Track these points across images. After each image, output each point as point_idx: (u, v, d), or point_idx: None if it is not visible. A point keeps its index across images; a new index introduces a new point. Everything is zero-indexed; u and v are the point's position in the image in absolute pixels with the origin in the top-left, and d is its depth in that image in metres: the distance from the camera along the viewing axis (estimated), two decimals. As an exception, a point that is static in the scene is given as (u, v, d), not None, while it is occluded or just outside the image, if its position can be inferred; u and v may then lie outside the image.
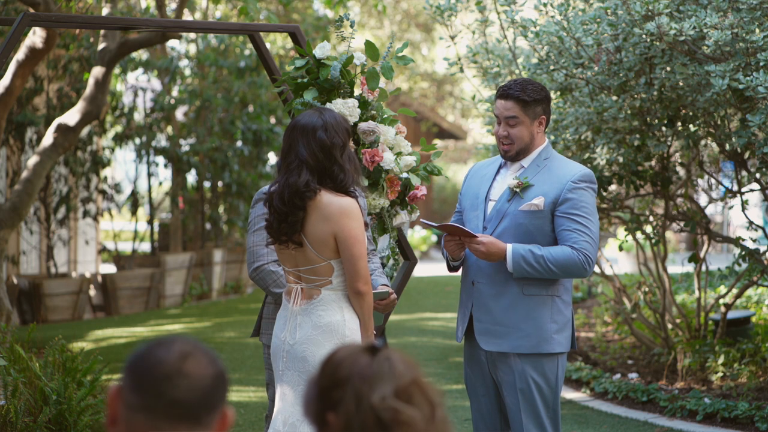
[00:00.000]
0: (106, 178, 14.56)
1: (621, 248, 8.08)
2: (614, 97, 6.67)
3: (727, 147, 6.90)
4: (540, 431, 4.18)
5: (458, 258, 4.30)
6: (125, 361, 1.96)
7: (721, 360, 7.47)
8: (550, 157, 4.26)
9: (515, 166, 4.28)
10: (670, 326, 8.26)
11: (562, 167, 4.23)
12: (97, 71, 9.40)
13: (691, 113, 6.76)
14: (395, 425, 1.90)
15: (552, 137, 7.18)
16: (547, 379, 4.18)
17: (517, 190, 4.19)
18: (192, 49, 15.58)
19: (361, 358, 1.96)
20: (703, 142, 7.56)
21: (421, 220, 4.68)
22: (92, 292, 13.29)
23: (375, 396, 1.91)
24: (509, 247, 4.11)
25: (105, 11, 10.64)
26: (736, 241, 7.11)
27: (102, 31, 9.59)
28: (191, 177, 15.63)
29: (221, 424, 1.95)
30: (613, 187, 7.87)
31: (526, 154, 4.25)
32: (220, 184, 15.44)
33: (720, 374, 7.42)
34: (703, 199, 10.31)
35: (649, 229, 7.75)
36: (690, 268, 9.46)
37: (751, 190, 7.52)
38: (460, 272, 4.43)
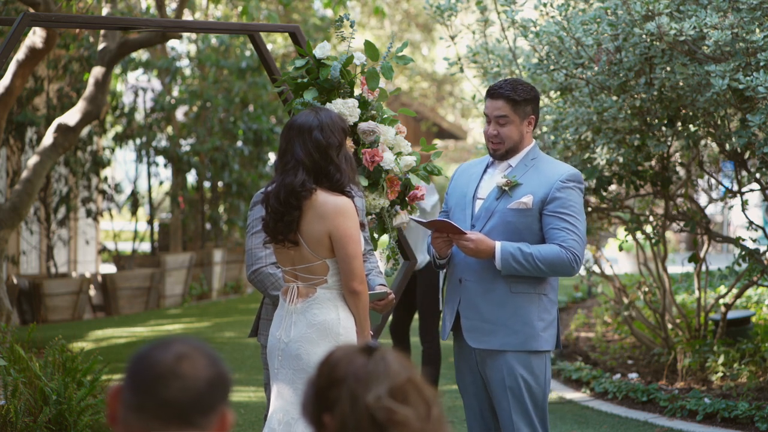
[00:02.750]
0: (106, 178, 14.56)
1: (621, 248, 8.08)
2: (614, 97, 6.67)
3: (727, 147, 6.90)
4: (530, 428, 4.19)
5: (445, 255, 4.30)
6: (128, 361, 1.97)
7: (721, 360, 7.47)
8: (538, 157, 4.30)
9: (503, 165, 4.30)
10: (670, 326, 8.25)
11: (550, 167, 4.26)
12: (97, 71, 9.39)
13: (691, 113, 6.76)
14: (390, 425, 1.90)
15: (552, 137, 7.19)
16: (535, 376, 4.19)
17: (506, 188, 4.21)
18: (192, 49, 15.58)
19: (356, 359, 1.96)
20: (703, 142, 7.56)
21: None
22: (92, 292, 13.28)
23: (370, 396, 1.90)
24: (498, 244, 4.13)
25: (105, 11, 10.64)
26: (736, 241, 7.11)
27: (102, 31, 9.59)
28: (191, 177, 15.63)
29: (219, 427, 1.94)
30: (613, 187, 7.87)
31: (515, 154, 4.28)
32: (220, 184, 15.44)
33: (720, 374, 7.42)
34: (703, 199, 10.30)
35: (649, 229, 7.75)
36: (690, 268, 9.46)
37: (751, 190, 7.51)
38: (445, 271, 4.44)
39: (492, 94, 4.25)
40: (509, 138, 4.24)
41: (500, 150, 4.26)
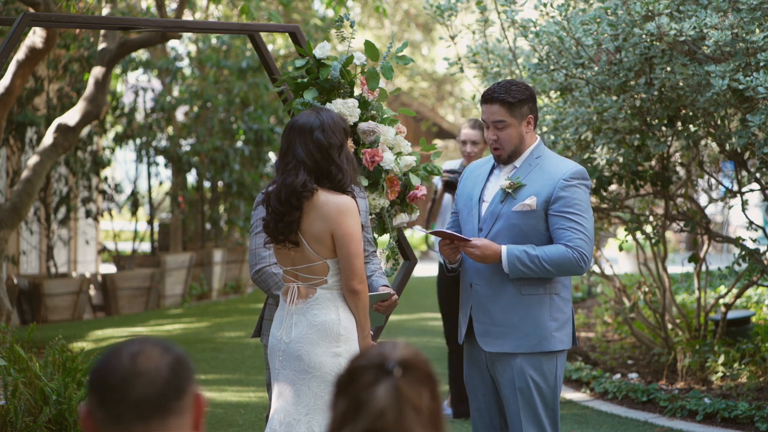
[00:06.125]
0: (106, 178, 14.55)
1: (621, 248, 8.08)
2: (614, 97, 6.67)
3: (727, 147, 6.90)
4: (539, 431, 4.18)
5: (455, 261, 4.30)
6: (86, 379, 2.00)
7: (721, 360, 7.47)
8: (542, 155, 4.26)
9: (508, 166, 4.29)
10: (670, 326, 8.25)
11: (554, 165, 4.23)
12: (98, 71, 9.39)
13: (691, 113, 6.76)
14: None
15: (552, 137, 7.18)
16: (545, 378, 4.18)
17: (510, 190, 4.19)
18: (193, 49, 15.58)
19: (364, 377, 1.97)
20: (703, 142, 7.56)
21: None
22: (92, 292, 13.28)
23: (347, 430, 1.94)
24: (504, 248, 4.12)
25: (105, 11, 10.64)
26: (736, 241, 7.11)
27: (102, 31, 9.59)
28: (191, 177, 15.63)
29: (196, 405, 1.99)
30: (613, 187, 7.87)
31: (519, 155, 4.25)
32: (220, 184, 15.44)
33: (720, 374, 7.42)
34: (703, 199, 10.30)
35: (649, 229, 7.75)
36: (690, 268, 9.46)
37: (751, 190, 7.51)
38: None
39: (486, 98, 4.22)
40: (508, 142, 4.21)
41: (503, 155, 4.24)
